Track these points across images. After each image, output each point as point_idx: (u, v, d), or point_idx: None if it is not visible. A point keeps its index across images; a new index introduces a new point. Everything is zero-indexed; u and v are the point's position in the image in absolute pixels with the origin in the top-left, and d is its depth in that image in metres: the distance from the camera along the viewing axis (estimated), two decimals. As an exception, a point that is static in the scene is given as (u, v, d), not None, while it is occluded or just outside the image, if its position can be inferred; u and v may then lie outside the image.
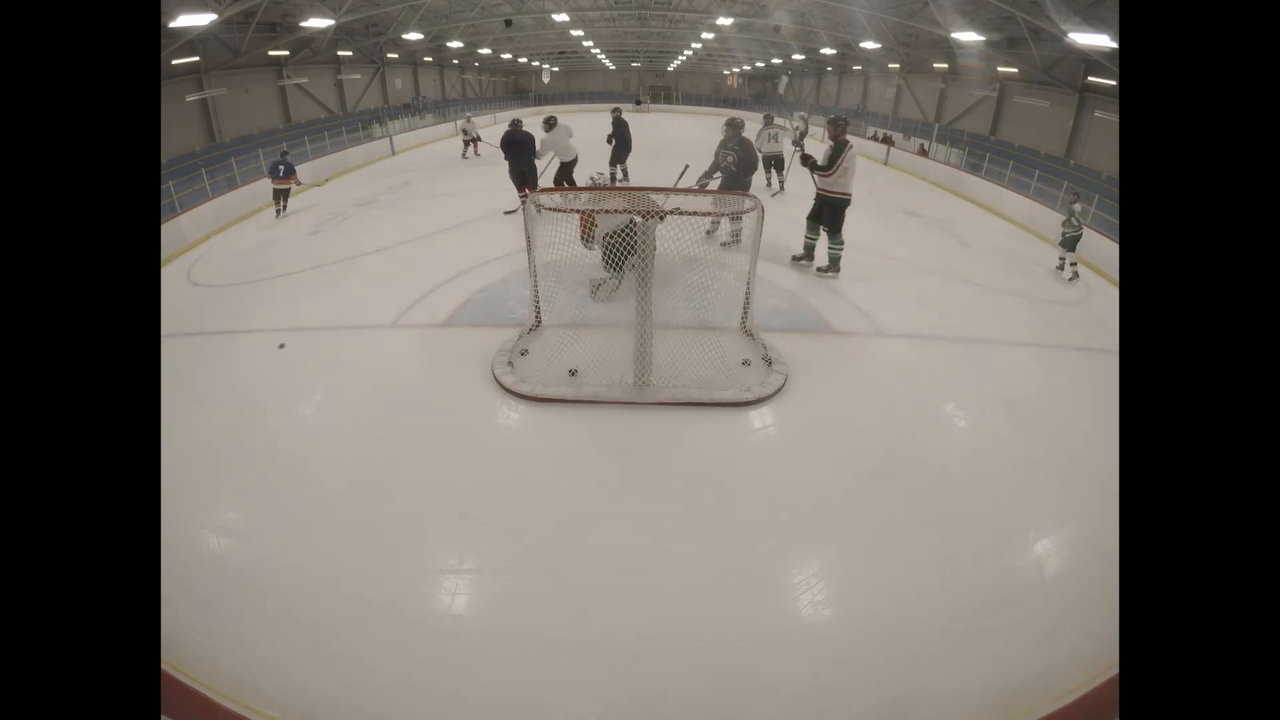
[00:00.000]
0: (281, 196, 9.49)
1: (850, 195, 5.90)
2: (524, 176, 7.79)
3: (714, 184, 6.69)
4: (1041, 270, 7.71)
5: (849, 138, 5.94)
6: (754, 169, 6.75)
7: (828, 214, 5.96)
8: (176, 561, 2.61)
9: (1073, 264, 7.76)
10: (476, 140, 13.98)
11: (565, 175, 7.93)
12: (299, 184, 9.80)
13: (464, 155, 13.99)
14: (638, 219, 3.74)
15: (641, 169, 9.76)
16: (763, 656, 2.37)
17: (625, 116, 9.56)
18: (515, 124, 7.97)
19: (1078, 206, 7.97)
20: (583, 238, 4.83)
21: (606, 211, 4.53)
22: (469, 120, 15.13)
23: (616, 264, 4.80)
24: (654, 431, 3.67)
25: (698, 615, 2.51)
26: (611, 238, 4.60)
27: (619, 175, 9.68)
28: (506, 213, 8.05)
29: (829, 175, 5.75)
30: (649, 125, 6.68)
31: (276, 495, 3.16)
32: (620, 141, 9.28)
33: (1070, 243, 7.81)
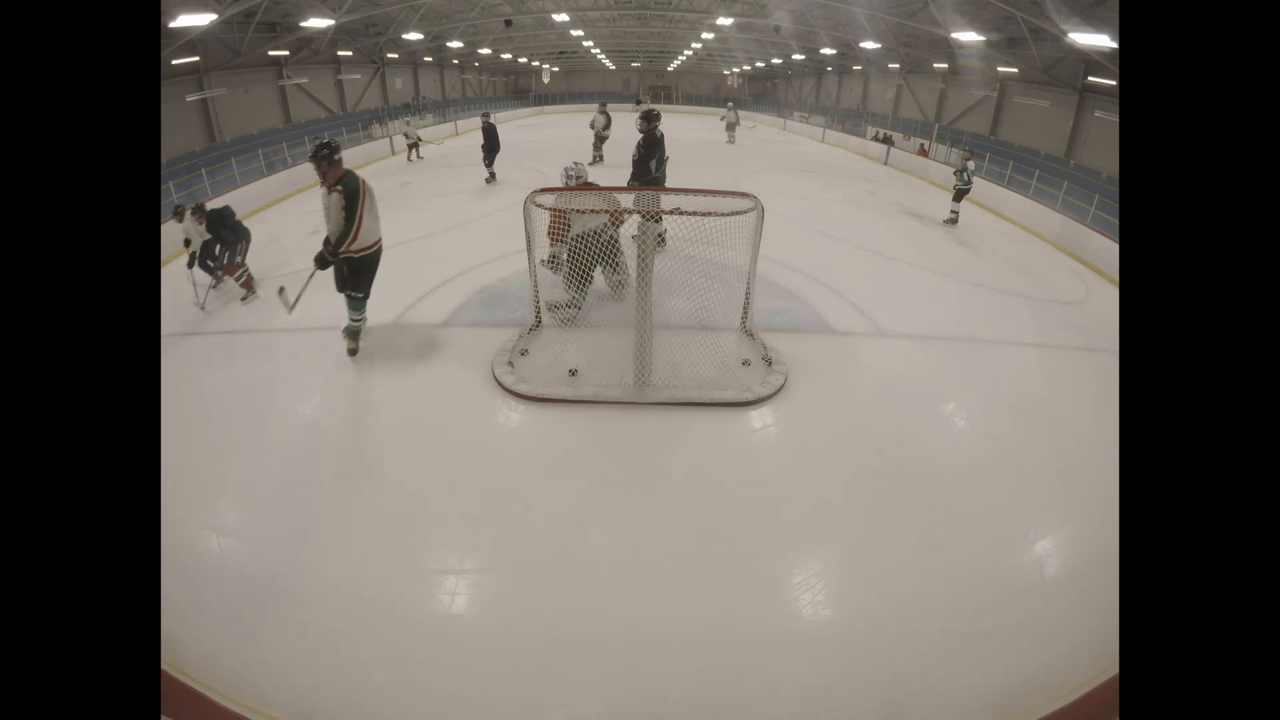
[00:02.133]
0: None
1: (380, 240, 4.31)
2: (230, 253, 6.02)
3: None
4: (1041, 270, 7.71)
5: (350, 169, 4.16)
6: (651, 158, 6.37)
7: (357, 277, 4.27)
8: (176, 561, 2.61)
9: (955, 212, 9.43)
10: (418, 144, 14.72)
11: (207, 254, 5.88)
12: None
13: (409, 159, 14.44)
14: (637, 221, 3.72)
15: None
16: (763, 656, 2.37)
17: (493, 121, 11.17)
18: (198, 210, 5.90)
19: (970, 164, 9.40)
20: (552, 241, 4.62)
21: (580, 211, 4.39)
22: (408, 123, 15.97)
23: (583, 274, 4.57)
24: (654, 431, 3.67)
25: (698, 615, 2.51)
26: (582, 239, 4.42)
27: (489, 177, 10.82)
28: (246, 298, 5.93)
29: (353, 242, 4.05)
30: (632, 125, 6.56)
31: (276, 495, 3.16)
32: (489, 144, 10.61)
33: (959, 195, 9.36)
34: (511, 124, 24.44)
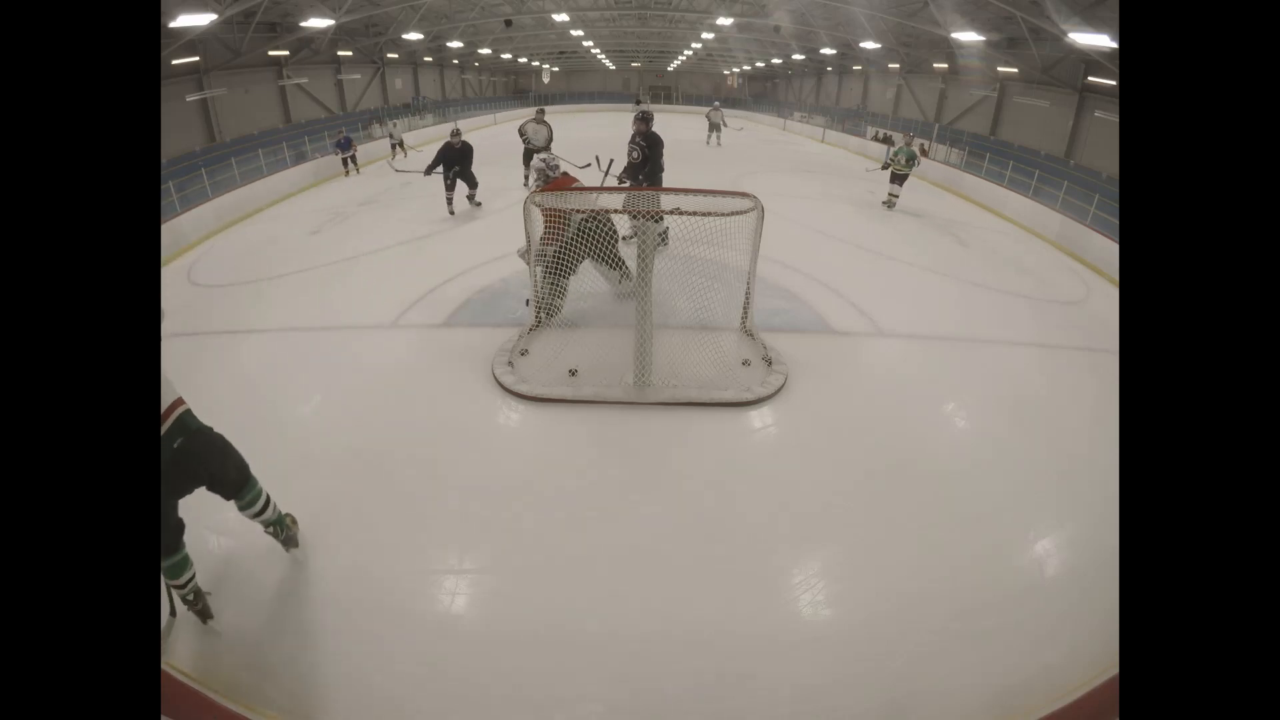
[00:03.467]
0: (349, 161, 12.96)
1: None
2: None
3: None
4: (1041, 270, 7.71)
5: None
6: (657, 156, 6.41)
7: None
8: (176, 561, 2.60)
9: (894, 195, 9.80)
10: (401, 144, 14.46)
11: None
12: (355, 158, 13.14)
13: (392, 159, 13.94)
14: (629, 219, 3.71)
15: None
16: (763, 656, 2.37)
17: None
18: None
19: (916, 148, 9.91)
20: (546, 244, 4.41)
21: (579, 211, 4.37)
22: (395, 124, 15.78)
23: (567, 269, 4.48)
24: (654, 431, 3.67)
25: (698, 615, 2.51)
26: (580, 231, 4.38)
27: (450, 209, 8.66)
28: None
29: None
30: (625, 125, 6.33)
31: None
32: (436, 162, 8.39)
33: (900, 179, 9.69)
34: (511, 124, 24.41)
